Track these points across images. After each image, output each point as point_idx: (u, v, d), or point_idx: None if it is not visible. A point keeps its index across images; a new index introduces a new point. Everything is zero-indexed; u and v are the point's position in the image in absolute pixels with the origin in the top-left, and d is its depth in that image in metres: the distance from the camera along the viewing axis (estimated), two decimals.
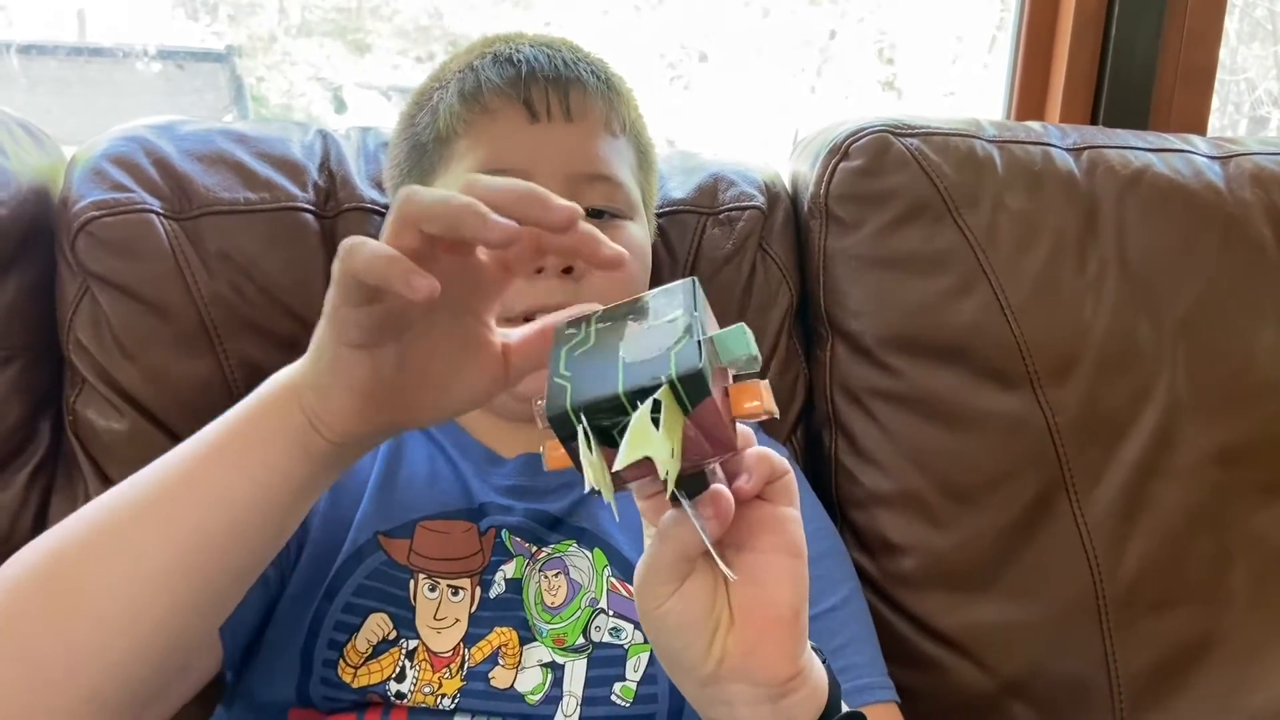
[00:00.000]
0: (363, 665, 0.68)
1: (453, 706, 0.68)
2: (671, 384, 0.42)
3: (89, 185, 0.85)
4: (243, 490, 0.55)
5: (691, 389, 0.42)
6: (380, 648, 0.69)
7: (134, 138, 0.89)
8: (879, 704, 0.74)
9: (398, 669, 0.69)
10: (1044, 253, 0.94)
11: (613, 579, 0.73)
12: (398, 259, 0.46)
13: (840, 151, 0.95)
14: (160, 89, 1.71)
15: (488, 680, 0.69)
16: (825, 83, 2.11)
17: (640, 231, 0.81)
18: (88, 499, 0.85)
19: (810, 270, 0.97)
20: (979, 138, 0.97)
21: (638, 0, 2.00)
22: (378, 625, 0.69)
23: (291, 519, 0.58)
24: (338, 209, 0.90)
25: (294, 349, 0.88)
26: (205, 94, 1.76)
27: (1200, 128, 1.28)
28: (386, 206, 0.90)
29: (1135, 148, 1.00)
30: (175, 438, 0.85)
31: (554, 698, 0.69)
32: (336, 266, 0.49)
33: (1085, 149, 0.98)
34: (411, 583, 0.71)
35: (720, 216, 0.96)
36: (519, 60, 0.78)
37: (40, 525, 0.86)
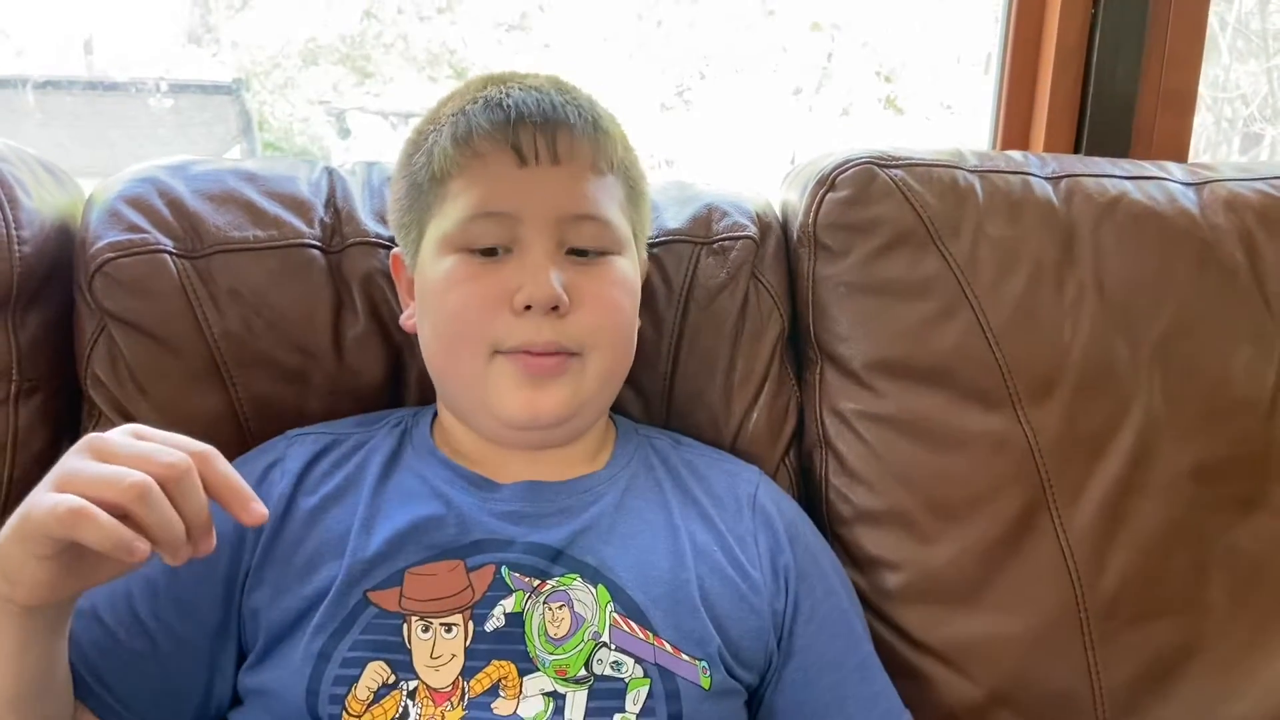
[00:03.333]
0: (365, 712, 0.71)
1: None
2: None
3: (105, 226, 0.88)
4: None
5: None
6: (381, 693, 0.71)
7: (148, 179, 0.92)
8: None
9: (400, 710, 0.71)
10: (1024, 278, 0.97)
11: (615, 614, 0.76)
12: (125, 536, 0.56)
13: (827, 182, 0.98)
14: (171, 122, 1.75)
15: (490, 709, 0.71)
16: (823, 101, 2.14)
17: (629, 266, 0.84)
18: None
19: (800, 297, 1.00)
20: (960, 168, 1.00)
21: (638, 24, 2.03)
22: (376, 673, 0.72)
23: (27, 667, 0.64)
24: (343, 244, 0.93)
25: (301, 382, 0.92)
26: (214, 126, 1.80)
27: (1181, 152, 1.32)
28: (390, 240, 0.93)
29: (1112, 175, 1.02)
30: None
31: None
32: (53, 525, 0.56)
33: (1063, 177, 1.01)
34: (405, 626, 0.74)
35: (714, 246, 0.98)
36: (508, 105, 0.80)
37: None
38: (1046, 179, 1.01)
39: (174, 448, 0.60)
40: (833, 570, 0.88)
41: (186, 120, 1.79)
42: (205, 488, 0.60)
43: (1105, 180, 1.02)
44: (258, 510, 0.61)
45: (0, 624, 0.62)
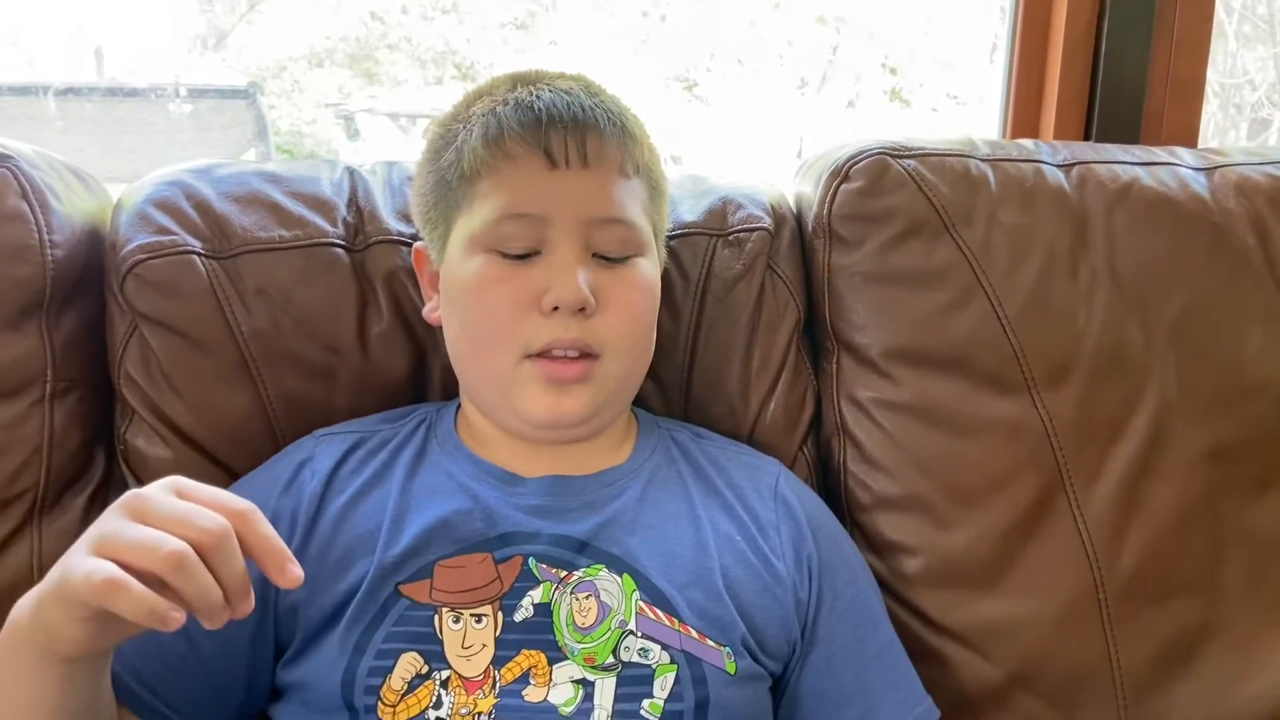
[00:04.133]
0: (400, 702, 0.73)
1: (490, 719, 0.73)
2: None
3: (135, 229, 0.90)
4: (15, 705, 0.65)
5: None
6: (414, 683, 0.73)
7: (175, 182, 0.94)
8: None
9: (434, 699, 0.73)
10: (1037, 265, 0.98)
11: (641, 602, 0.77)
12: (160, 607, 0.56)
13: (841, 174, 0.99)
14: (188, 127, 1.77)
15: (521, 696, 0.73)
16: (829, 94, 2.16)
17: (650, 267, 0.85)
18: None
19: (816, 287, 1.02)
20: (973, 157, 1.01)
21: (643, 20, 2.04)
22: (409, 664, 0.74)
23: (69, 705, 0.65)
24: (366, 242, 0.95)
25: (328, 378, 0.93)
26: (230, 130, 1.82)
27: (1191, 139, 1.33)
28: (412, 237, 0.94)
29: (1123, 162, 1.04)
30: (219, 465, 0.91)
31: (585, 710, 0.73)
32: (88, 594, 0.57)
33: (1075, 164, 1.03)
34: (436, 618, 0.75)
35: (730, 238, 1.00)
36: (539, 108, 0.80)
37: None
38: (1058, 166, 1.02)
39: (214, 507, 0.60)
40: (854, 558, 0.90)
41: (203, 125, 1.81)
42: (243, 547, 0.60)
43: (1116, 167, 1.03)
44: (294, 573, 0.61)
45: (43, 671, 0.63)
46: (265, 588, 0.78)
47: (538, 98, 0.81)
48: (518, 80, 0.85)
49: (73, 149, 1.01)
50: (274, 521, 0.79)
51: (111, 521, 0.60)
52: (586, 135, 0.81)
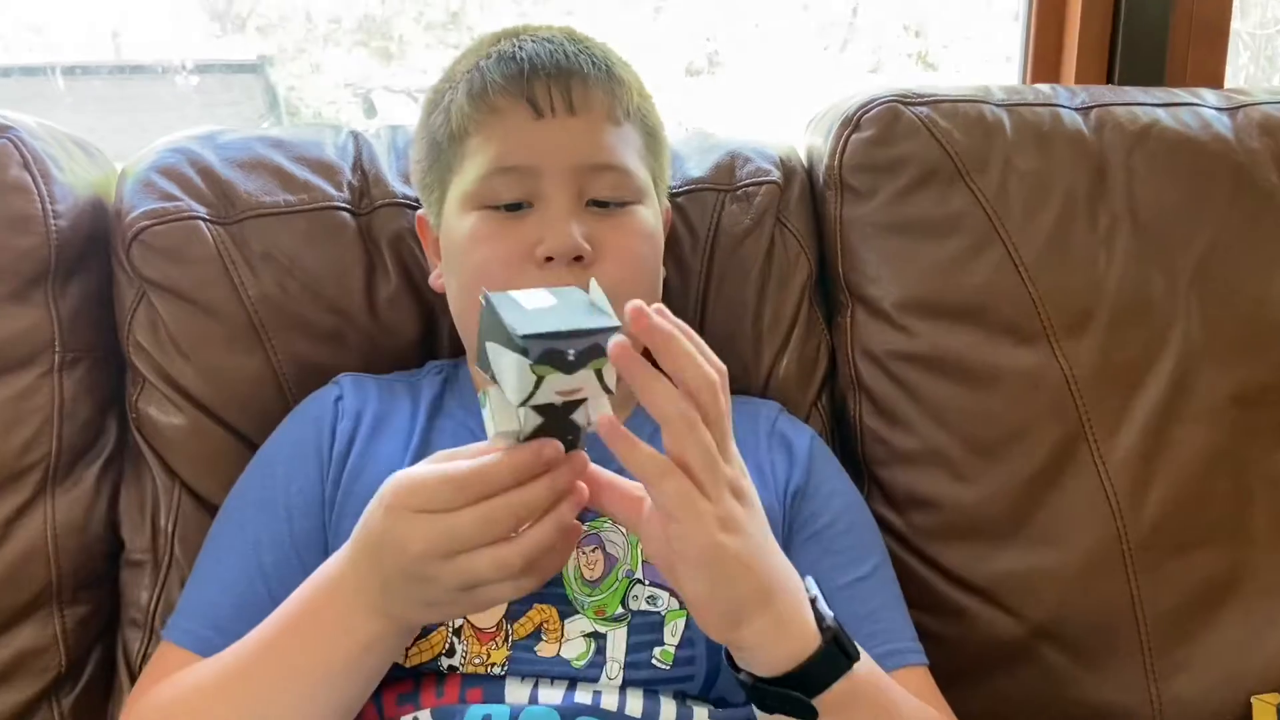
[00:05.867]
0: (413, 646, 0.73)
1: (503, 672, 0.72)
2: None
3: (140, 196, 0.90)
4: (312, 667, 0.66)
5: None
6: (428, 628, 0.73)
7: (179, 149, 0.94)
8: (911, 667, 0.79)
9: (446, 645, 0.73)
10: (1055, 210, 0.96)
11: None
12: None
13: (852, 123, 0.98)
14: (198, 102, 1.76)
15: (534, 651, 0.73)
16: (850, 59, 2.13)
17: (649, 215, 0.83)
18: (154, 491, 0.92)
19: (827, 239, 1.00)
20: (987, 102, 0.99)
21: None
22: None
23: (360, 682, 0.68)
24: (371, 206, 0.95)
25: (337, 342, 0.93)
26: (241, 105, 1.82)
27: (1217, 83, 1.29)
28: (417, 201, 0.93)
29: (1143, 103, 1.02)
30: (231, 430, 0.91)
31: (598, 664, 0.73)
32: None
33: (1093, 107, 1.01)
34: None
35: (738, 193, 0.98)
36: (521, 58, 0.80)
37: (113, 515, 0.92)
38: (1076, 110, 1.00)
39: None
40: (841, 494, 0.87)
41: (213, 99, 1.81)
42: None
43: (1136, 109, 1.01)
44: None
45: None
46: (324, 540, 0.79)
47: (520, 49, 0.81)
48: (502, 35, 0.84)
49: (84, 127, 1.01)
50: (333, 444, 0.82)
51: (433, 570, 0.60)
52: (571, 82, 0.80)
